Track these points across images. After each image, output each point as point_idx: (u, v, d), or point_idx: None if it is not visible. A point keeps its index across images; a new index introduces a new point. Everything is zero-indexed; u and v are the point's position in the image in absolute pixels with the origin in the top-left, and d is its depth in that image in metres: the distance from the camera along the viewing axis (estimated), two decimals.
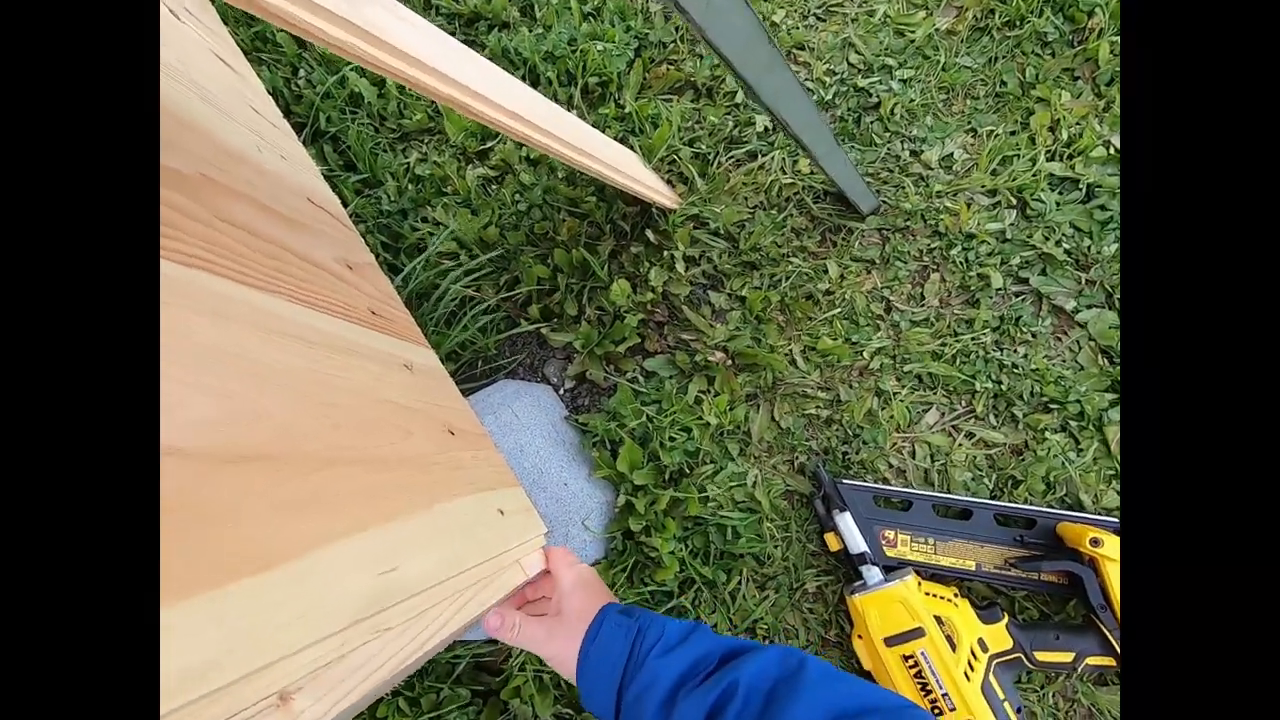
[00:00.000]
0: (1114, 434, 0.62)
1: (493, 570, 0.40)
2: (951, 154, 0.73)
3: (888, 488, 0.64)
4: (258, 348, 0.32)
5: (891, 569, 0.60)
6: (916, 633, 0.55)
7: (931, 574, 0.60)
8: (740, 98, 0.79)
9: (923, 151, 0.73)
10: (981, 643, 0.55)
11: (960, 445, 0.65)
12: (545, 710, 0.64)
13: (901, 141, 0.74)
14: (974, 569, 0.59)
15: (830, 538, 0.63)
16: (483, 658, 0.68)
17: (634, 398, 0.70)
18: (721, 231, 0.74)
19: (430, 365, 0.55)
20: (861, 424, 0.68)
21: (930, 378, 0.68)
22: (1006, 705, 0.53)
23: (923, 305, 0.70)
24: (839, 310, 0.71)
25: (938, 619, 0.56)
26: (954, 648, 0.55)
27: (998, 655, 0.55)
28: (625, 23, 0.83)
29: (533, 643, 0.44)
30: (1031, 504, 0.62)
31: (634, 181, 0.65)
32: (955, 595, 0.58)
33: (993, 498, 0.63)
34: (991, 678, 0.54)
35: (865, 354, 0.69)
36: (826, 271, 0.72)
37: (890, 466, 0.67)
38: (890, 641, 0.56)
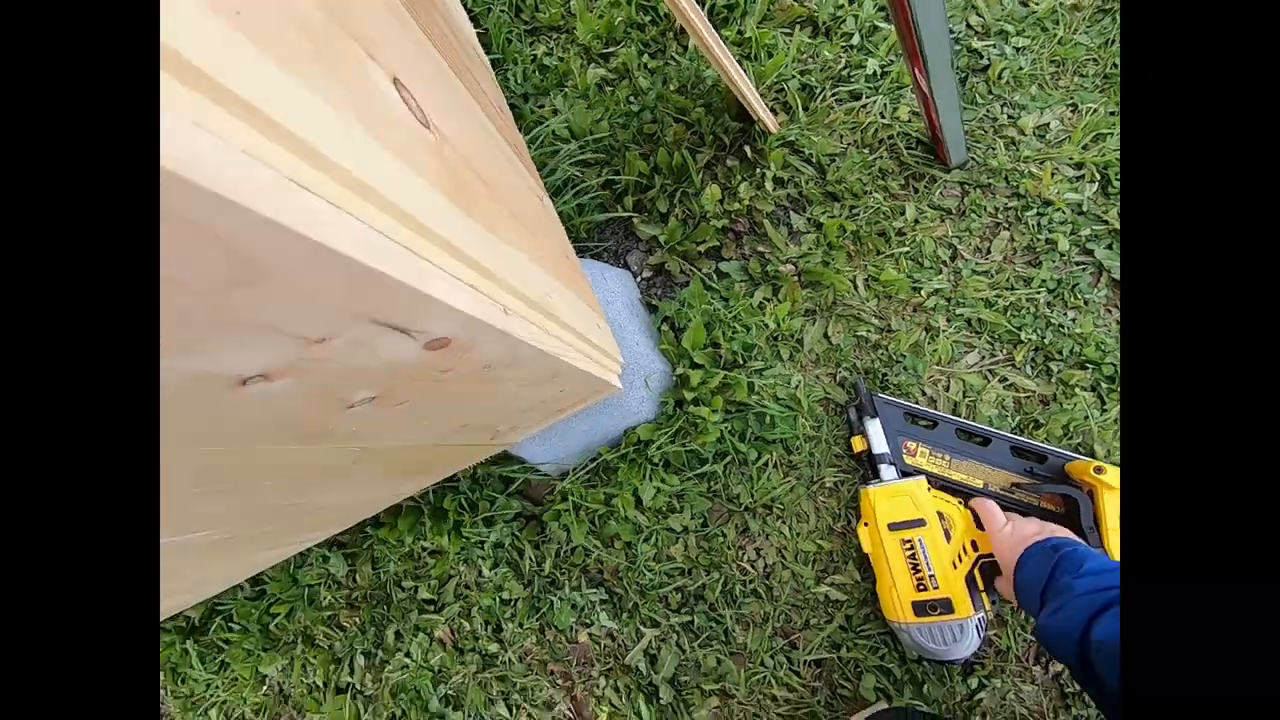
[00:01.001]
0: None
1: (596, 355, 0.49)
2: (1048, 124, 0.77)
3: (918, 407, 0.71)
4: (480, 135, 0.41)
5: (907, 474, 0.67)
6: (918, 522, 0.63)
7: (942, 485, 0.68)
8: (857, 39, 0.83)
9: (1020, 118, 0.77)
10: (974, 544, 0.63)
11: (993, 387, 0.72)
12: (580, 536, 0.75)
13: (1002, 105, 0.78)
14: (981, 486, 0.66)
15: (856, 440, 0.71)
16: (531, 483, 0.79)
17: (704, 290, 0.78)
18: (813, 160, 0.80)
19: (552, 210, 0.64)
20: (905, 352, 0.74)
21: (979, 323, 0.74)
22: (984, 596, 0.61)
23: (987, 258, 0.75)
24: (907, 249, 0.76)
25: (939, 514, 0.63)
26: (949, 540, 0.62)
27: (985, 556, 0.62)
28: None
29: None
30: (1048, 445, 0.68)
31: (750, 92, 0.72)
32: (960, 504, 0.65)
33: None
34: (976, 572, 0.62)
35: (923, 292, 0.75)
36: (903, 213, 0.77)
37: (924, 395, 0.73)
38: (894, 527, 0.64)
